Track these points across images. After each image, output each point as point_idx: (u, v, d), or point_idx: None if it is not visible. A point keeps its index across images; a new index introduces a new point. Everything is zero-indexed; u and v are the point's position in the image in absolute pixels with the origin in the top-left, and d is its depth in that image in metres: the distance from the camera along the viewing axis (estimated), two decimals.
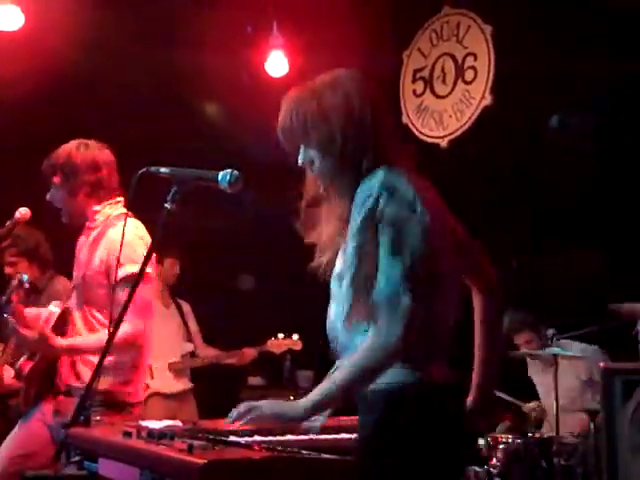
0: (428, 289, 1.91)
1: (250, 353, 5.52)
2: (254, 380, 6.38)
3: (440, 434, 1.95)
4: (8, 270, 4.41)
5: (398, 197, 1.93)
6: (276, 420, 1.94)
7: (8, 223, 3.38)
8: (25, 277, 3.09)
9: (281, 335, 5.37)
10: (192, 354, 5.68)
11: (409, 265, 1.89)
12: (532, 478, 4.19)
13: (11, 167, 4.98)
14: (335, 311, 2.05)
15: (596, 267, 4.94)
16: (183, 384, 5.54)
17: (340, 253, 2.06)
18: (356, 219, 1.95)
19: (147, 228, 2.99)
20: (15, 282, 3.08)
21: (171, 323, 5.56)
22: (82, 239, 3.33)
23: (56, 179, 3.29)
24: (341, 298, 2.01)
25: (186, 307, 5.72)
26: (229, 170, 2.34)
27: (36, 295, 4.38)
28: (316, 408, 1.94)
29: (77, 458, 2.11)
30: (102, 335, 3.11)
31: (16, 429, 3.39)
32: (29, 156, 3.46)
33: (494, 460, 4.20)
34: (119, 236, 2.92)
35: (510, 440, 4.17)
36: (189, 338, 5.66)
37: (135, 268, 3.01)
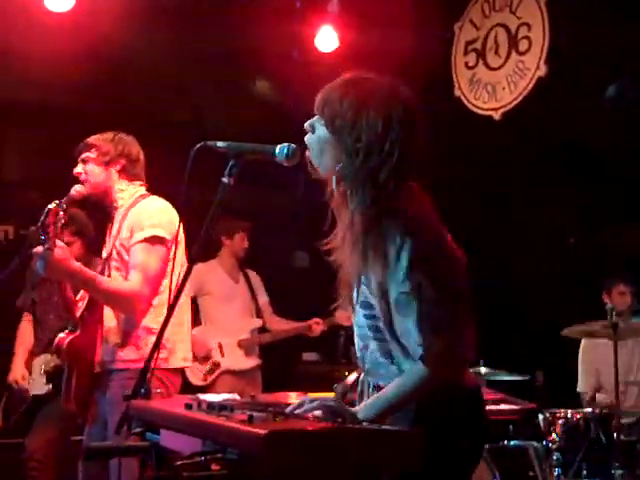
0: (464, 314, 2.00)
1: (320, 324, 5.52)
2: (309, 356, 6.39)
3: (472, 438, 2.11)
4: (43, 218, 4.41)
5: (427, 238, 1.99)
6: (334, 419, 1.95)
7: (64, 200, 3.40)
8: (63, 205, 3.07)
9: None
10: (261, 329, 5.66)
11: (451, 303, 1.97)
12: (591, 453, 4.15)
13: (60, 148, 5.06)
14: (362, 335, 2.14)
15: None
16: (253, 361, 5.54)
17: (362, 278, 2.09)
18: (401, 262, 1.97)
19: (204, 203, 3.00)
20: (53, 206, 3.05)
21: (240, 299, 5.56)
22: (114, 220, 3.41)
23: (91, 153, 3.39)
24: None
25: (254, 278, 5.70)
26: (286, 143, 2.33)
27: None
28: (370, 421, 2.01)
29: (139, 430, 2.13)
30: (120, 282, 3.22)
31: None
32: (78, 137, 3.51)
33: (553, 435, 4.17)
34: (145, 206, 3.26)
35: (569, 415, 4.13)
36: (258, 313, 5.66)
37: (154, 232, 3.21)
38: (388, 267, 1.99)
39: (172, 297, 2.42)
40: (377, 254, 2.01)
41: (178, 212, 3.14)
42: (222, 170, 2.36)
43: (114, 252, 3.33)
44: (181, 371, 3.38)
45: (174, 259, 3.08)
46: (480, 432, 2.15)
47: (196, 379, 5.34)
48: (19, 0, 4.54)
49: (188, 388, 4.90)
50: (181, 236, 3.32)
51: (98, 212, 3.56)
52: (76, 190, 3.38)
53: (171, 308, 2.40)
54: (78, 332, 3.31)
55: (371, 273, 2.04)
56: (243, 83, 5.48)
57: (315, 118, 2.16)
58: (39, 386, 4.44)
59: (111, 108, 5.13)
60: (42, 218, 3.05)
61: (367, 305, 2.10)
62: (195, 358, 5.31)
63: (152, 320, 3.23)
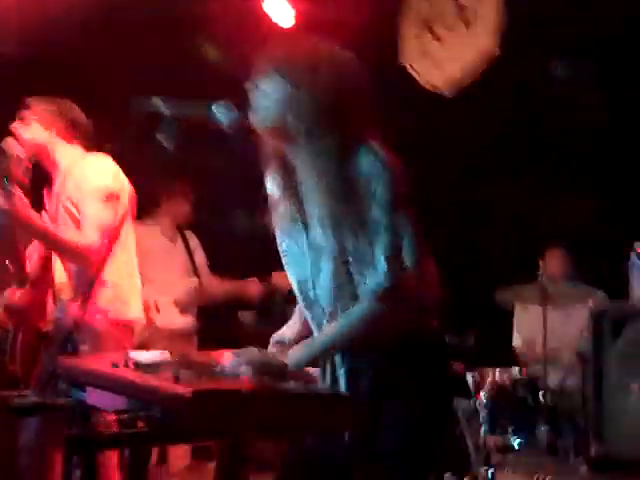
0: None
1: (257, 284, 5.52)
2: (245, 315, 6.39)
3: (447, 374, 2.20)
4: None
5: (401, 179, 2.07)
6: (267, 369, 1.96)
7: None
8: (20, 149, 3.10)
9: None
10: (198, 289, 5.63)
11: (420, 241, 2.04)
12: (518, 414, 4.26)
13: None
14: (327, 276, 2.13)
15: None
16: (188, 320, 5.53)
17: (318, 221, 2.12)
18: (378, 193, 2.03)
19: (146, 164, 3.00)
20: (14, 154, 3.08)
21: (177, 258, 5.50)
22: (54, 181, 3.37)
23: (30, 113, 3.34)
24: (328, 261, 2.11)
25: (193, 241, 5.64)
26: (225, 107, 2.29)
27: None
28: (307, 362, 2.04)
29: (64, 386, 2.12)
30: (75, 235, 3.19)
31: None
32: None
33: (480, 394, 4.27)
34: (91, 161, 3.26)
35: (497, 375, 4.23)
36: (195, 272, 5.63)
37: (104, 184, 3.21)
38: (366, 199, 2.04)
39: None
40: (353, 190, 2.05)
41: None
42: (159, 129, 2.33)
43: (61, 210, 3.29)
44: (135, 324, 3.39)
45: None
46: (447, 389, 2.20)
47: None
48: None
49: None
50: (129, 190, 3.31)
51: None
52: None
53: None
54: (27, 289, 3.28)
55: (349, 212, 2.06)
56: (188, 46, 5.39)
57: (262, 75, 2.16)
58: None
59: (53, 70, 5.01)
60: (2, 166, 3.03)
61: (342, 251, 2.09)
62: None
63: (108, 273, 3.23)
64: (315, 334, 2.17)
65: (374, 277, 2.01)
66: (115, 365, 1.98)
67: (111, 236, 3.23)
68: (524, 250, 5.22)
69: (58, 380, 2.16)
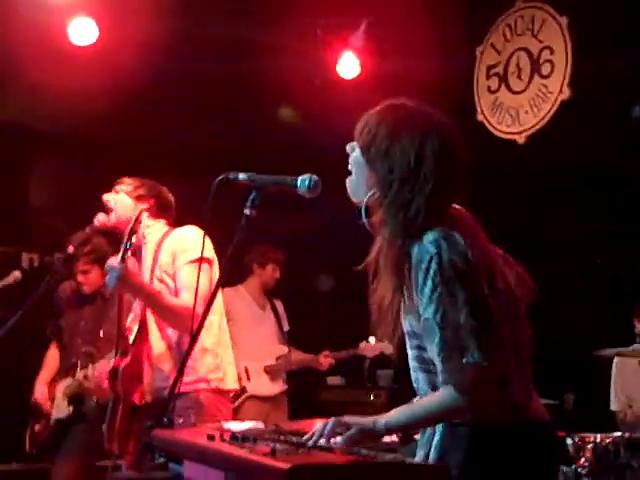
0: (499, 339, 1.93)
1: (328, 357, 5.53)
2: (333, 380, 6.37)
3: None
4: (80, 278, 4.48)
5: (454, 259, 1.94)
6: (358, 434, 1.94)
7: (87, 229, 3.47)
8: (145, 214, 3.26)
9: (373, 339, 5.34)
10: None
11: (479, 325, 1.90)
12: (622, 478, 4.09)
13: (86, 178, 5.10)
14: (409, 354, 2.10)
15: None
16: (279, 387, 5.53)
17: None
18: (426, 286, 1.94)
19: (226, 235, 3.06)
20: (132, 224, 3.20)
21: (267, 325, 5.58)
22: (143, 254, 3.47)
23: (125, 186, 3.50)
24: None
25: (280, 308, 5.72)
26: (307, 175, 2.34)
27: (102, 302, 4.47)
28: (393, 431, 2.00)
29: (162, 460, 2.14)
30: (177, 300, 3.27)
31: None
32: (103, 167, 3.58)
33: (582, 460, 4.11)
34: (183, 232, 3.37)
35: (599, 439, 4.08)
36: (284, 340, 5.67)
37: (199, 253, 3.17)
38: (416, 292, 1.97)
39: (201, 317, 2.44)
40: (408, 279, 1.99)
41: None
42: (244, 201, 2.38)
43: (155, 282, 3.37)
44: (232, 393, 3.45)
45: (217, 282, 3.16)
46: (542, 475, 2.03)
47: None
48: (45, 36, 4.61)
49: None
50: (214, 257, 3.38)
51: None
52: (99, 220, 3.47)
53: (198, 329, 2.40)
54: (128, 358, 3.34)
55: (407, 299, 2.01)
56: (264, 110, 5.51)
57: (355, 142, 2.14)
58: (61, 410, 4.47)
59: (134, 138, 5.19)
60: (126, 238, 3.19)
61: (412, 334, 2.05)
62: None
63: (206, 341, 3.28)
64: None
65: (440, 375, 1.94)
66: (211, 438, 1.99)
67: (207, 302, 3.26)
68: (618, 312, 5.09)
69: (155, 453, 2.17)
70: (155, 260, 3.40)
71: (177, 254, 3.32)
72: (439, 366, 1.93)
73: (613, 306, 5.25)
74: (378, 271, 2.07)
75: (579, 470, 4.12)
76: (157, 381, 3.34)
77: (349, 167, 2.16)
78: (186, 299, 3.21)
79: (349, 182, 2.16)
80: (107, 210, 3.49)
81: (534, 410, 2.04)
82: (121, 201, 3.47)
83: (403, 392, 2.28)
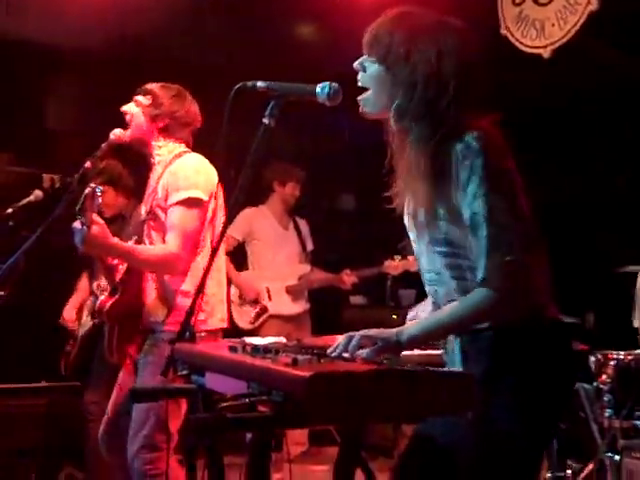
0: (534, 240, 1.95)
1: (351, 276, 5.52)
2: (356, 299, 6.39)
3: (557, 380, 2.04)
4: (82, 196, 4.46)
5: (498, 157, 1.96)
6: (379, 346, 1.95)
7: (104, 145, 3.38)
8: (99, 188, 3.07)
9: (397, 256, 5.31)
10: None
11: (520, 223, 1.93)
12: None
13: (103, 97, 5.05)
14: (431, 268, 2.09)
15: None
16: (301, 306, 5.55)
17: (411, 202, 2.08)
18: (471, 181, 1.94)
19: (246, 144, 3.00)
20: (88, 190, 3.06)
21: (289, 245, 5.56)
22: (151, 175, 3.42)
23: (145, 99, 3.39)
24: (433, 255, 2.07)
25: (304, 227, 5.69)
26: (327, 82, 2.28)
27: (125, 224, 4.47)
28: (417, 341, 2.00)
29: (185, 372, 2.15)
30: (156, 248, 3.26)
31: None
32: (121, 86, 3.50)
33: (604, 377, 4.11)
34: (181, 165, 3.26)
35: (621, 356, 4.07)
36: (306, 259, 5.66)
37: (190, 193, 3.21)
38: (460, 189, 1.96)
39: (209, 257, 2.42)
40: (447, 178, 1.98)
41: (219, 156, 3.13)
42: (262, 111, 2.33)
43: (156, 209, 3.33)
44: (219, 332, 3.37)
45: (213, 219, 3.18)
46: (565, 371, 2.06)
47: (243, 322, 5.38)
48: None
49: (235, 331, 4.94)
50: (219, 194, 3.32)
51: (142, 159, 3.55)
52: (115, 134, 3.38)
53: (207, 269, 2.38)
54: (118, 295, 3.36)
55: (444, 201, 2.00)
56: (282, 28, 5.39)
57: (364, 57, 2.13)
58: (85, 326, 4.55)
59: (152, 56, 5.12)
60: (80, 203, 3.08)
61: (447, 242, 2.03)
62: (243, 301, 5.36)
63: (189, 283, 3.25)
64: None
65: (480, 270, 1.94)
66: (233, 349, 2.00)
67: (195, 244, 3.24)
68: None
69: (177, 365, 2.18)
70: (154, 189, 3.34)
71: (170, 192, 3.25)
72: (481, 261, 1.93)
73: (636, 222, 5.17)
74: (407, 179, 2.05)
75: (600, 387, 4.13)
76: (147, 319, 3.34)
77: (360, 84, 2.13)
78: (170, 242, 3.19)
79: (364, 99, 2.13)
80: (127, 121, 3.40)
81: (552, 309, 2.06)
82: (137, 117, 3.39)
83: None
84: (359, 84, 2.14)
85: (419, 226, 2.09)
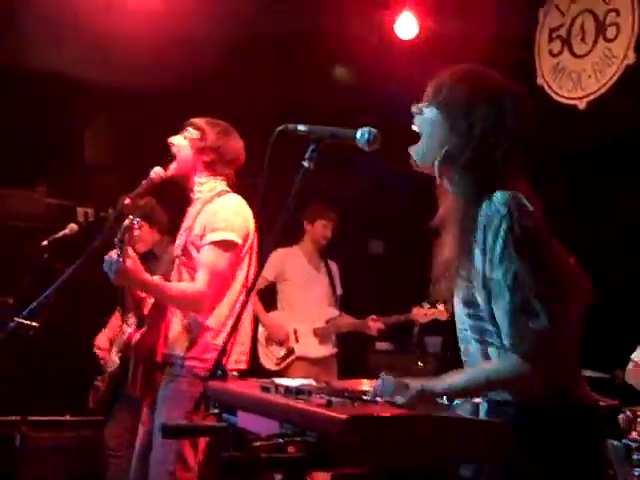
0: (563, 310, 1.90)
1: (377, 322, 5.49)
2: (382, 345, 6.36)
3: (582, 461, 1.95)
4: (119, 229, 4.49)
5: (526, 222, 1.91)
6: (418, 395, 1.91)
7: (144, 182, 3.39)
8: (137, 220, 3.11)
9: (426, 304, 5.28)
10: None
11: (547, 291, 1.87)
12: None
13: (143, 133, 5.10)
14: (459, 317, 2.07)
15: None
16: (327, 349, 5.52)
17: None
18: (496, 245, 1.90)
19: (283, 187, 3.02)
20: (127, 222, 3.10)
21: (319, 287, 5.55)
22: (189, 210, 3.44)
23: (192, 133, 3.41)
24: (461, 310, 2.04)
25: (334, 269, 5.69)
26: (367, 128, 2.30)
27: (155, 261, 4.49)
28: (452, 393, 1.96)
29: (216, 410, 2.14)
30: (184, 286, 3.26)
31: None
32: (160, 124, 3.55)
33: (633, 434, 4.04)
34: (221, 206, 3.26)
35: None
36: (335, 303, 5.64)
37: (226, 235, 3.23)
38: (484, 252, 1.93)
39: (245, 295, 2.43)
40: (475, 239, 1.95)
41: (258, 198, 3.15)
42: (302, 155, 2.35)
43: (185, 247, 3.35)
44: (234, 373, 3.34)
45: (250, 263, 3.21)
46: (590, 456, 1.98)
47: (270, 363, 5.37)
48: None
49: (261, 372, 4.93)
50: (253, 237, 3.33)
51: (177, 195, 3.58)
52: (156, 172, 3.38)
53: (243, 307, 2.40)
54: (145, 329, 3.39)
55: (472, 262, 1.96)
56: (321, 69, 5.46)
57: (423, 104, 2.13)
58: (114, 364, 4.56)
59: (191, 93, 5.19)
60: (119, 235, 3.11)
61: (471, 303, 2.00)
62: (271, 342, 5.34)
63: (212, 321, 3.26)
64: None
65: (505, 338, 1.90)
66: (265, 389, 1.99)
67: (223, 286, 3.26)
68: None
69: (209, 404, 2.17)
70: (191, 227, 3.36)
71: (206, 231, 3.26)
72: (505, 330, 1.88)
73: None
74: (447, 230, 2.05)
75: (630, 444, 4.06)
76: (169, 351, 3.35)
77: (415, 129, 2.13)
78: (199, 281, 3.21)
79: (417, 147, 2.13)
80: (172, 154, 3.41)
81: (581, 393, 2.00)
82: (183, 150, 3.39)
83: (451, 360, 2.25)
84: (413, 127, 2.14)
85: (455, 281, 2.06)
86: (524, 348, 1.85)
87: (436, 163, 2.08)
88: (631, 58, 4.90)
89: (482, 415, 1.99)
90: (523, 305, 1.85)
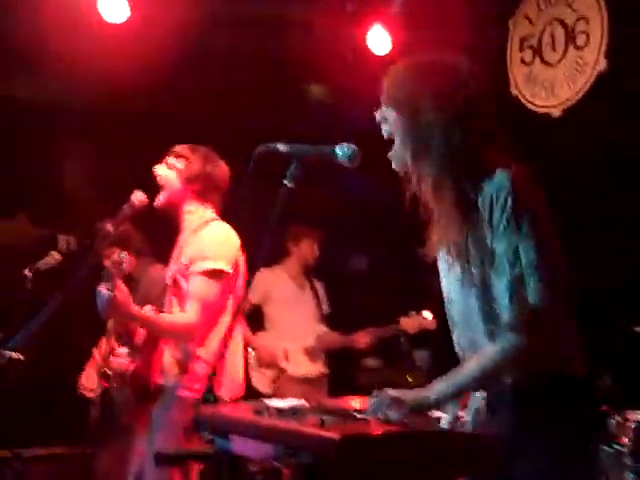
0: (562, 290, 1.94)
1: (365, 337, 5.47)
2: (369, 361, 6.33)
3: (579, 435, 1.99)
4: (107, 263, 4.46)
5: (525, 200, 1.96)
6: (407, 408, 1.92)
7: (125, 207, 3.35)
8: (124, 254, 3.12)
9: (412, 312, 5.26)
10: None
11: (547, 266, 1.92)
12: None
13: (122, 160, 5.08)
14: (462, 310, 2.08)
15: None
16: (318, 368, 5.50)
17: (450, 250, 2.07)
18: (502, 221, 1.94)
19: (266, 206, 3.02)
20: (115, 257, 3.11)
21: (305, 305, 5.53)
22: (179, 239, 3.43)
23: (178, 163, 3.39)
24: (465, 296, 2.05)
25: (320, 287, 5.68)
26: (346, 144, 2.30)
27: (133, 283, 4.46)
28: (446, 397, 1.97)
29: (209, 437, 2.13)
30: (174, 317, 3.27)
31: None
32: (138, 150, 3.54)
33: (624, 438, 4.05)
34: (208, 234, 3.25)
35: None
36: (323, 321, 5.62)
37: (215, 265, 3.21)
38: (491, 228, 1.97)
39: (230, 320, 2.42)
40: (477, 215, 1.99)
41: (239, 216, 3.16)
42: (282, 173, 2.35)
43: (174, 278, 3.34)
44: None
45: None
46: (588, 429, 2.03)
47: (262, 386, 5.32)
48: (77, 12, 4.60)
49: (254, 395, 4.89)
50: (241, 262, 3.32)
51: (162, 223, 3.56)
52: (138, 199, 3.34)
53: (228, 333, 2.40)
54: (138, 359, 3.38)
55: (477, 241, 2.00)
56: (293, 87, 5.47)
57: (382, 109, 2.17)
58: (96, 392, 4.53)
59: (166, 118, 5.19)
60: (109, 269, 3.12)
61: (480, 283, 2.01)
62: (261, 364, 5.32)
63: (204, 351, 3.24)
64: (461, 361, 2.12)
65: (504, 315, 1.93)
66: (258, 412, 1.98)
67: (214, 315, 3.25)
68: None
69: (200, 429, 2.16)
70: (180, 254, 3.35)
71: (195, 260, 3.24)
72: (504, 304, 1.92)
73: None
74: (439, 222, 2.07)
75: (620, 449, 4.06)
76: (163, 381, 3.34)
77: (386, 136, 2.16)
78: (190, 312, 3.20)
79: (392, 155, 2.16)
80: (160, 185, 3.38)
81: (579, 364, 2.03)
82: (171, 181, 3.37)
83: (441, 371, 2.26)
84: (384, 135, 2.17)
85: (454, 268, 2.08)
86: (522, 325, 1.89)
87: (409, 161, 2.11)
88: (602, 64, 4.95)
89: (483, 407, 2.01)
90: (522, 280, 1.90)
